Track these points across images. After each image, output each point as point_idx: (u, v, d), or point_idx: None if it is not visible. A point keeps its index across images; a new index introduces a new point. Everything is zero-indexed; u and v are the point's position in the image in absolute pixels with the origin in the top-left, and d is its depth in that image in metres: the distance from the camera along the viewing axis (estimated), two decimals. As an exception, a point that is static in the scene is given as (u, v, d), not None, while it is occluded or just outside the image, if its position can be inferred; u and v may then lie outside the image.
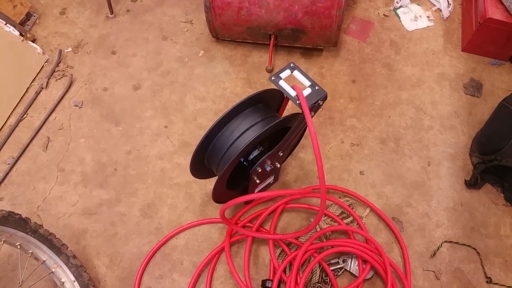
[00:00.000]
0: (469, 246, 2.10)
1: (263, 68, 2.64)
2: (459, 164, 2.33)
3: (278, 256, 2.03)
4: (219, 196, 1.96)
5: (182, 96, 2.54)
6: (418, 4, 2.95)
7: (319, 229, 2.02)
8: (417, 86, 2.59)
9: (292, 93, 1.62)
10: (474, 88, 2.58)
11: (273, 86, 1.69)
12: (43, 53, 2.65)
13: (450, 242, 2.11)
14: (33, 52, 2.60)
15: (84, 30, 2.80)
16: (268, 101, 1.89)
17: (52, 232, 1.87)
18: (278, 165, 1.98)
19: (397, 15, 2.90)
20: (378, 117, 2.47)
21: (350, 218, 2.12)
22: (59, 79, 2.59)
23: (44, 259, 1.85)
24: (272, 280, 1.93)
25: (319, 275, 1.97)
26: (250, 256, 2.05)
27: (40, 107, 2.49)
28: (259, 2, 2.35)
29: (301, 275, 1.92)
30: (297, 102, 1.59)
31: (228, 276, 2.02)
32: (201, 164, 1.93)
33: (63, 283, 1.86)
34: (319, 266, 1.98)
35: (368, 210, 2.18)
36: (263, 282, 1.94)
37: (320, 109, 1.78)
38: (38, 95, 2.52)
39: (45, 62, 2.64)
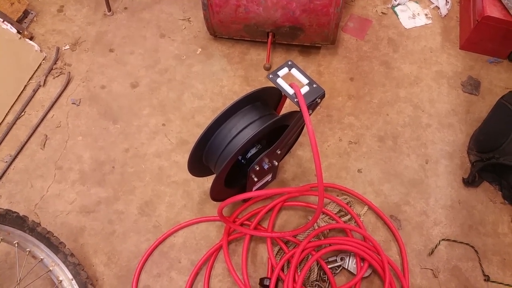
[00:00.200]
0: (467, 244, 2.10)
1: (261, 66, 2.63)
2: (457, 162, 2.33)
3: (276, 254, 2.03)
4: (217, 194, 1.96)
5: (180, 94, 2.53)
6: (416, 2, 2.95)
7: (317, 227, 2.02)
8: (415, 84, 2.59)
9: (290, 91, 1.62)
10: (472, 86, 2.58)
11: (271, 84, 1.69)
12: (40, 50, 2.64)
13: (448, 240, 2.11)
14: (30, 49, 2.60)
15: (82, 28, 2.79)
16: (266, 99, 1.89)
17: (50, 230, 1.87)
18: (276, 163, 1.98)
19: (395, 12, 2.90)
20: (376, 115, 2.47)
21: (348, 216, 2.12)
22: (56, 76, 2.58)
23: (41, 257, 1.85)
24: (270, 278, 1.93)
25: (317, 273, 1.97)
26: (248, 254, 2.05)
27: (37, 105, 2.48)
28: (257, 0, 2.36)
29: (299, 273, 1.92)
30: (295, 100, 1.59)
31: (226, 274, 2.02)
32: (199, 162, 1.93)
33: (61, 281, 1.86)
34: (317, 264, 1.98)
35: (366, 208, 2.18)
36: (261, 280, 1.94)
37: (318, 107, 1.78)
38: (35, 92, 2.52)
39: (43, 59, 2.64)
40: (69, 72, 2.58)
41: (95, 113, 2.46)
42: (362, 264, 1.98)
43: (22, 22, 2.74)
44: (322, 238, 2.03)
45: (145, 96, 2.52)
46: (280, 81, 1.65)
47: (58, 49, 2.66)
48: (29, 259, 1.84)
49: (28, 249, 1.82)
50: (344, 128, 2.42)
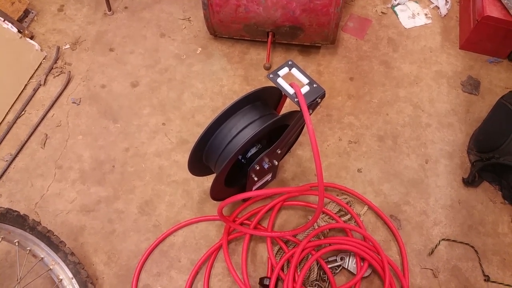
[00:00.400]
0: (467, 244, 2.10)
1: (260, 66, 2.63)
2: (457, 162, 2.33)
3: (276, 253, 2.03)
4: (217, 193, 1.96)
5: (180, 93, 2.53)
6: (416, 2, 2.95)
7: (317, 227, 2.02)
8: (414, 84, 2.59)
9: (290, 90, 1.62)
10: (472, 86, 2.58)
11: (271, 84, 1.69)
12: (41, 50, 2.64)
13: (448, 240, 2.12)
14: (31, 49, 2.60)
15: (82, 27, 2.79)
16: (266, 99, 1.89)
17: (50, 229, 1.88)
18: (276, 163, 1.98)
19: (395, 12, 2.90)
20: (376, 114, 2.47)
21: (348, 216, 2.12)
22: (57, 76, 2.58)
23: (42, 256, 1.85)
24: (270, 278, 1.93)
25: (317, 273, 1.97)
26: (248, 254, 2.06)
27: (38, 104, 2.48)
28: (257, -1, 2.36)
29: (299, 273, 1.92)
30: (295, 99, 1.59)
31: (226, 273, 2.03)
32: (199, 161, 1.93)
33: (61, 280, 1.86)
34: (317, 264, 1.98)
35: (366, 208, 2.18)
36: (261, 279, 1.94)
37: (318, 107, 1.78)
38: (36, 92, 2.52)
39: (43, 59, 2.64)
40: (70, 72, 2.58)
41: (95, 112, 2.46)
42: (362, 264, 1.98)
43: (22, 21, 2.74)
44: (322, 237, 2.04)
45: (145, 95, 2.52)
46: (280, 80, 1.65)
47: (58, 48, 2.66)
48: (30, 258, 1.84)
49: (28, 248, 1.82)
50: (344, 128, 2.43)
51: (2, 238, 1.73)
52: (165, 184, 2.25)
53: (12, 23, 2.53)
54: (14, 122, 2.42)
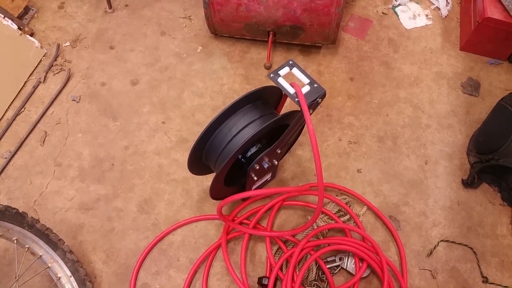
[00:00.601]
0: (465, 245, 2.11)
1: (261, 65, 2.63)
2: (456, 163, 2.33)
3: (275, 253, 2.03)
4: (216, 192, 1.96)
5: (180, 92, 2.53)
6: (417, 3, 2.95)
7: (316, 227, 2.02)
8: (415, 85, 2.59)
9: (291, 90, 1.62)
10: (472, 87, 2.58)
11: (271, 83, 1.69)
12: (41, 47, 2.64)
13: (447, 241, 2.12)
14: (31, 46, 2.59)
15: (82, 25, 2.79)
16: (266, 98, 1.89)
17: (49, 227, 1.87)
18: (276, 162, 1.98)
19: (396, 13, 2.90)
20: (376, 115, 2.47)
21: (347, 216, 2.12)
22: (57, 73, 2.58)
23: (40, 254, 1.85)
24: (268, 278, 1.93)
25: (316, 273, 1.97)
26: (247, 253, 2.05)
27: (37, 101, 2.48)
28: (258, -2, 2.36)
29: (297, 273, 1.92)
30: (296, 99, 1.59)
31: (224, 273, 2.02)
32: (198, 160, 1.93)
33: (59, 278, 1.86)
34: (316, 264, 1.98)
35: (365, 208, 2.18)
36: (260, 279, 1.94)
37: (318, 107, 1.78)
38: (35, 89, 2.52)
39: (43, 56, 2.63)
40: (69, 69, 2.58)
41: (95, 110, 2.46)
42: (360, 264, 1.98)
43: (22, 18, 2.73)
44: (321, 237, 2.04)
45: (145, 93, 2.52)
46: (281, 80, 1.65)
47: (58, 46, 2.66)
48: (28, 256, 1.84)
49: (27, 246, 1.82)
50: (344, 128, 2.42)
51: (0, 235, 1.73)
52: (165, 182, 2.25)
53: (12, 20, 2.52)
54: (14, 119, 2.41)
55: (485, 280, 2.03)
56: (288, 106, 2.04)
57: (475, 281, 2.03)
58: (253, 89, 1.78)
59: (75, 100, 2.48)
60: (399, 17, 2.88)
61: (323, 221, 2.06)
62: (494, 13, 2.44)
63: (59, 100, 2.49)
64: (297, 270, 1.94)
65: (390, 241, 2.11)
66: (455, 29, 2.84)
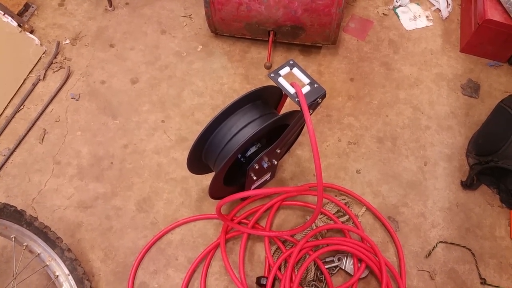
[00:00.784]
0: (464, 247, 2.11)
1: (261, 64, 2.63)
2: (456, 164, 2.33)
3: (274, 253, 2.03)
4: (215, 192, 1.96)
5: (180, 90, 2.53)
6: (418, 4, 2.95)
7: (315, 227, 2.02)
8: (415, 86, 2.59)
9: (291, 90, 1.61)
10: (472, 89, 2.58)
11: (271, 83, 1.69)
12: (40, 44, 2.63)
13: (445, 242, 2.12)
14: (30, 43, 2.59)
15: (83, 22, 2.78)
16: (266, 98, 1.89)
17: (47, 225, 1.87)
18: (275, 162, 1.97)
19: (396, 14, 2.90)
20: (376, 116, 2.47)
21: (346, 217, 2.11)
22: (56, 71, 2.57)
23: (38, 252, 1.84)
24: (267, 277, 1.92)
25: (314, 273, 1.97)
26: (246, 253, 2.05)
27: (37, 99, 2.47)
28: (259, -2, 2.35)
29: (296, 273, 1.92)
30: (296, 99, 1.59)
31: (223, 272, 2.02)
32: (198, 159, 1.92)
33: (57, 276, 1.85)
34: (314, 264, 1.98)
35: (364, 209, 2.18)
36: (258, 279, 1.94)
37: (318, 107, 1.78)
38: (35, 86, 2.51)
39: (43, 53, 2.63)
40: (69, 67, 2.57)
41: (94, 108, 2.45)
42: (359, 265, 1.98)
43: (22, 15, 2.73)
44: (320, 238, 2.03)
45: (145, 92, 2.52)
46: (281, 80, 1.65)
47: (58, 43, 2.65)
48: (26, 254, 1.83)
49: (25, 244, 1.81)
50: (344, 129, 2.42)
51: (-2, 233, 1.73)
52: (164, 181, 2.24)
53: (12, 17, 2.52)
54: (13, 116, 2.41)
55: (483, 281, 2.03)
56: (288, 106, 2.04)
57: (473, 282, 2.03)
58: (253, 88, 1.78)
59: (74, 98, 2.48)
60: (400, 18, 2.88)
61: (322, 222, 2.06)
62: (494, 15, 2.44)
63: (58, 98, 2.49)
64: (295, 270, 1.94)
65: (389, 242, 2.11)
66: (455, 31, 2.84)
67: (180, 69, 2.61)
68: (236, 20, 2.49)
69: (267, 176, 2.13)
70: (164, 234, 2.11)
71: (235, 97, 1.77)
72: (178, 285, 1.99)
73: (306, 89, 1.64)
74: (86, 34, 2.74)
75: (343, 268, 2.01)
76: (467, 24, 2.71)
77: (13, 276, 1.78)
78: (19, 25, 2.54)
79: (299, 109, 1.58)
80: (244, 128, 1.78)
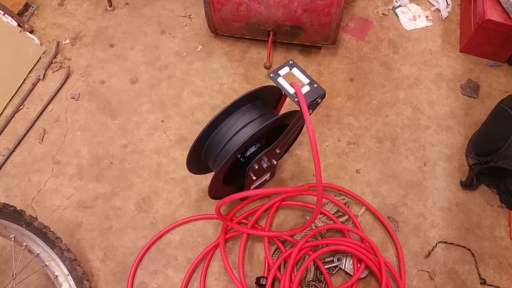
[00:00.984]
0: (463, 247, 2.11)
1: (261, 64, 2.63)
2: (455, 164, 2.33)
3: (273, 253, 2.02)
4: (215, 192, 1.96)
5: (179, 90, 2.53)
6: (417, 4, 2.95)
7: (314, 227, 2.02)
8: (414, 86, 2.59)
9: (291, 90, 1.61)
10: (471, 89, 2.58)
11: (271, 83, 1.69)
12: (40, 44, 2.63)
13: (445, 242, 2.12)
14: (30, 43, 2.59)
15: (82, 22, 2.78)
16: (266, 98, 1.89)
17: (47, 225, 1.87)
18: (275, 162, 1.97)
19: (396, 14, 2.90)
20: (375, 116, 2.47)
21: (346, 217, 2.11)
22: (56, 71, 2.57)
23: (38, 252, 1.84)
24: (266, 278, 1.92)
25: (314, 273, 1.97)
26: (245, 253, 2.05)
27: (36, 99, 2.47)
28: (258, -2, 2.35)
29: (295, 273, 1.92)
30: (296, 99, 1.58)
31: (222, 272, 2.02)
32: (197, 159, 1.92)
33: (56, 276, 1.85)
34: (314, 264, 1.98)
35: (363, 209, 2.18)
36: (258, 279, 1.94)
37: (318, 107, 1.77)
38: (35, 86, 2.51)
39: (43, 53, 2.63)
40: (69, 67, 2.57)
41: (94, 108, 2.45)
42: (358, 265, 1.97)
43: (22, 15, 2.73)
44: (319, 238, 2.03)
45: (145, 92, 2.52)
46: (281, 80, 1.65)
47: (58, 43, 2.65)
48: (25, 254, 1.83)
49: (24, 244, 1.81)
50: (343, 129, 2.42)
51: (-2, 233, 1.73)
52: (163, 181, 2.24)
53: (12, 17, 2.52)
54: (12, 116, 2.41)
55: (483, 282, 2.03)
56: (287, 106, 2.04)
57: (473, 282, 2.03)
58: (253, 88, 1.78)
59: (74, 98, 2.48)
60: (399, 18, 2.88)
61: (322, 222, 2.06)
62: (494, 15, 2.44)
63: (58, 98, 2.48)
64: (295, 271, 1.94)
65: (388, 242, 2.11)
66: (455, 31, 2.84)
67: (180, 69, 2.61)
68: (235, 20, 2.49)
69: (267, 176, 2.13)
70: (164, 234, 2.10)
71: (235, 97, 1.78)
72: (177, 285, 1.99)
73: (305, 89, 1.63)
74: (86, 34, 2.73)
75: (343, 268, 2.01)
76: (466, 24, 2.71)
77: (13, 276, 1.78)
78: (19, 25, 2.54)
79: (299, 109, 1.58)
80: (244, 128, 1.78)
